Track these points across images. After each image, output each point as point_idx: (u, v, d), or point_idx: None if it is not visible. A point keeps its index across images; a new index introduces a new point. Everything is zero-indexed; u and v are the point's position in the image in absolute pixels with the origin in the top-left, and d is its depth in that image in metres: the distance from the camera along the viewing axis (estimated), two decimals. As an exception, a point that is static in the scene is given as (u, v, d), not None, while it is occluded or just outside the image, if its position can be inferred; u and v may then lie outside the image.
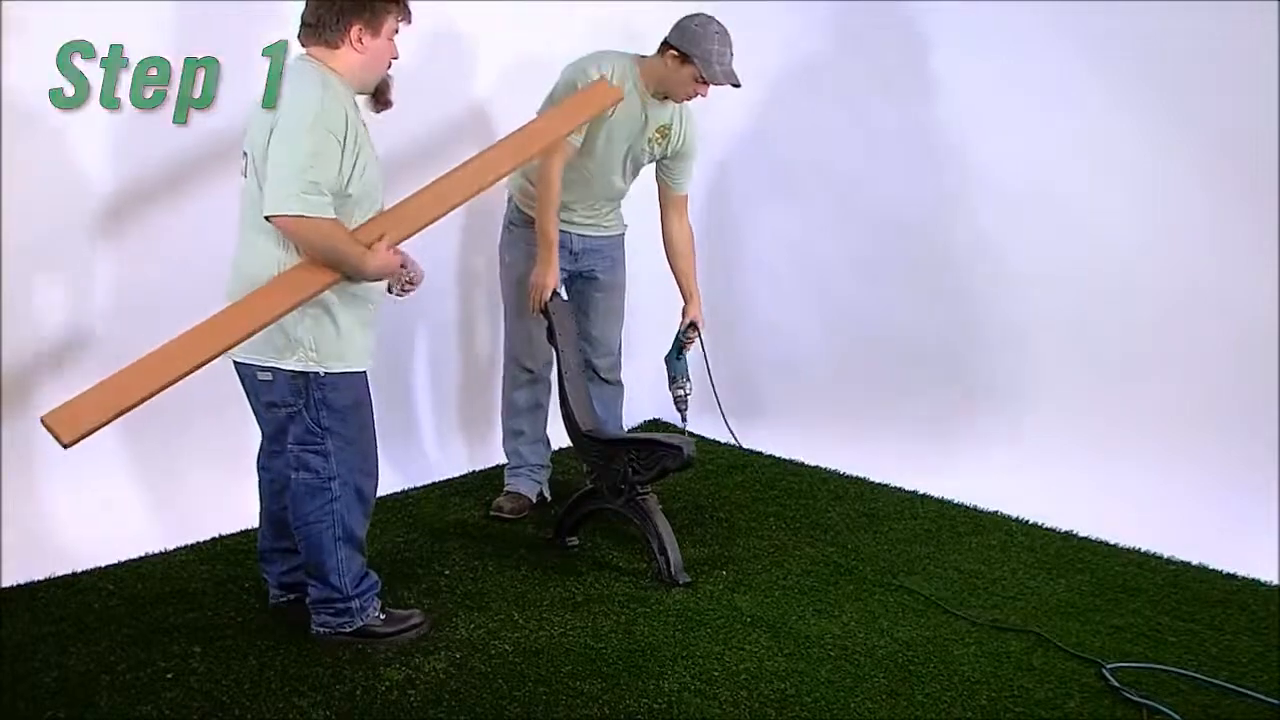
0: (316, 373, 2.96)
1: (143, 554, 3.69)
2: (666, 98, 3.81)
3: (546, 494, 4.22)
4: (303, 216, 2.76)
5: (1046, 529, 4.07)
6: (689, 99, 3.80)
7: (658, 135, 3.89)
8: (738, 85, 3.71)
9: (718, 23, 3.67)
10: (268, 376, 2.97)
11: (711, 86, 3.73)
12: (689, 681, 2.91)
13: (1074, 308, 4.29)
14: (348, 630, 3.11)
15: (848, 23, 4.82)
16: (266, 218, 2.80)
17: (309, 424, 3.00)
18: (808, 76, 4.98)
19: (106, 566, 3.59)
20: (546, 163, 3.71)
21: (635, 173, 4.00)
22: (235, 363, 3.02)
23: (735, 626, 3.25)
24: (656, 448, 3.57)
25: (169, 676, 2.91)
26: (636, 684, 2.90)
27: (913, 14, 4.59)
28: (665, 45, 3.73)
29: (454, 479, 4.56)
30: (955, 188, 4.57)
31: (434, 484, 4.47)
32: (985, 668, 3.02)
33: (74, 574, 3.51)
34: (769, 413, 5.18)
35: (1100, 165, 4.20)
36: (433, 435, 4.73)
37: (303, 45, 2.97)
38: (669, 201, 4.06)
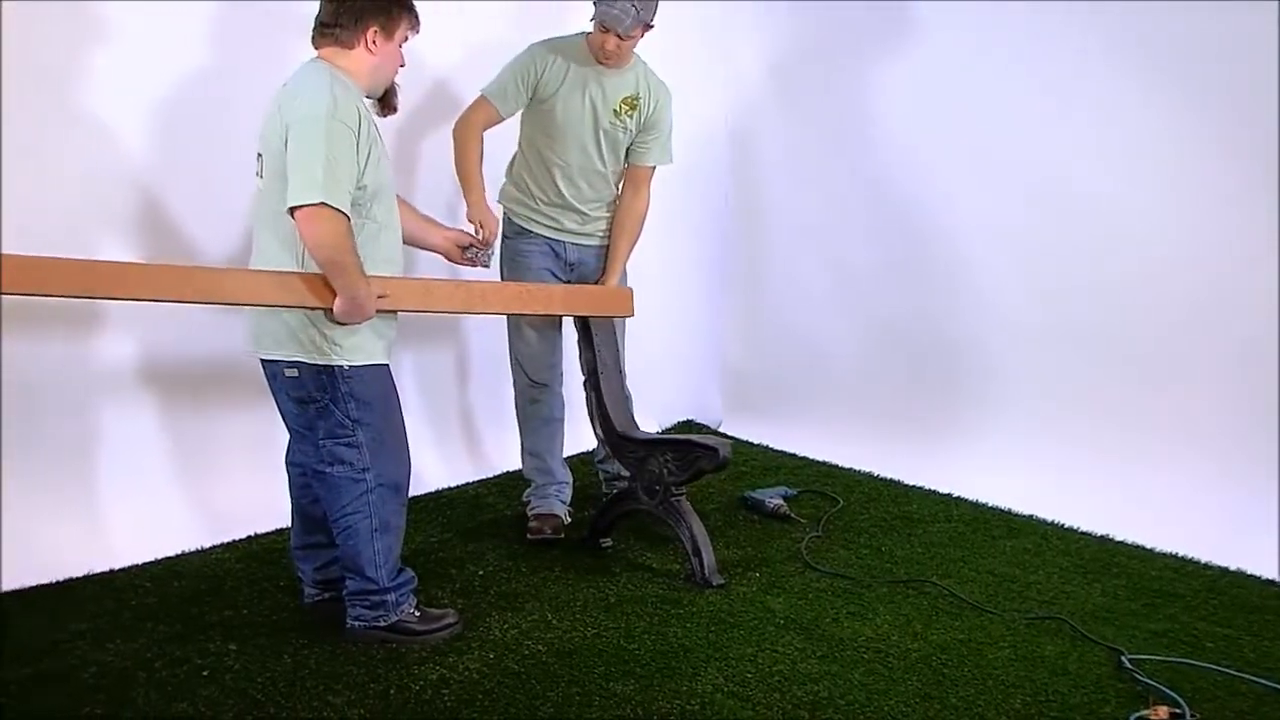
0: (341, 366, 2.99)
1: (179, 552, 3.73)
2: (602, 63, 3.77)
3: (569, 514, 4.11)
4: (325, 205, 2.80)
5: (1082, 533, 4.06)
6: (604, 53, 3.70)
7: (625, 106, 3.83)
8: (607, 29, 3.62)
9: None
10: (294, 372, 3.01)
11: (613, 37, 3.64)
12: (722, 683, 2.91)
13: (1108, 309, 4.24)
14: (382, 625, 3.13)
15: (871, 19, 4.80)
16: (290, 209, 2.83)
17: (339, 417, 3.03)
18: (833, 75, 4.96)
19: (144, 564, 3.63)
20: (463, 120, 3.81)
21: (616, 154, 3.92)
22: (262, 360, 3.07)
23: (768, 628, 3.25)
24: (692, 449, 3.57)
25: (204, 674, 2.93)
26: (669, 685, 2.90)
27: (938, 10, 4.56)
28: None
29: (488, 479, 4.59)
30: (983, 187, 4.54)
31: (468, 484, 4.50)
32: (1019, 671, 3.00)
33: (111, 571, 3.55)
34: (802, 415, 5.18)
35: (1125, 164, 4.15)
36: (466, 435, 4.75)
37: (315, 46, 3.05)
38: (629, 173, 3.97)
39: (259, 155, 3.02)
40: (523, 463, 4.19)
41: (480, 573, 3.64)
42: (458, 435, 4.74)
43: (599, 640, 3.16)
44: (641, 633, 3.21)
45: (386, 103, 3.20)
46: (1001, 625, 3.29)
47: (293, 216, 2.85)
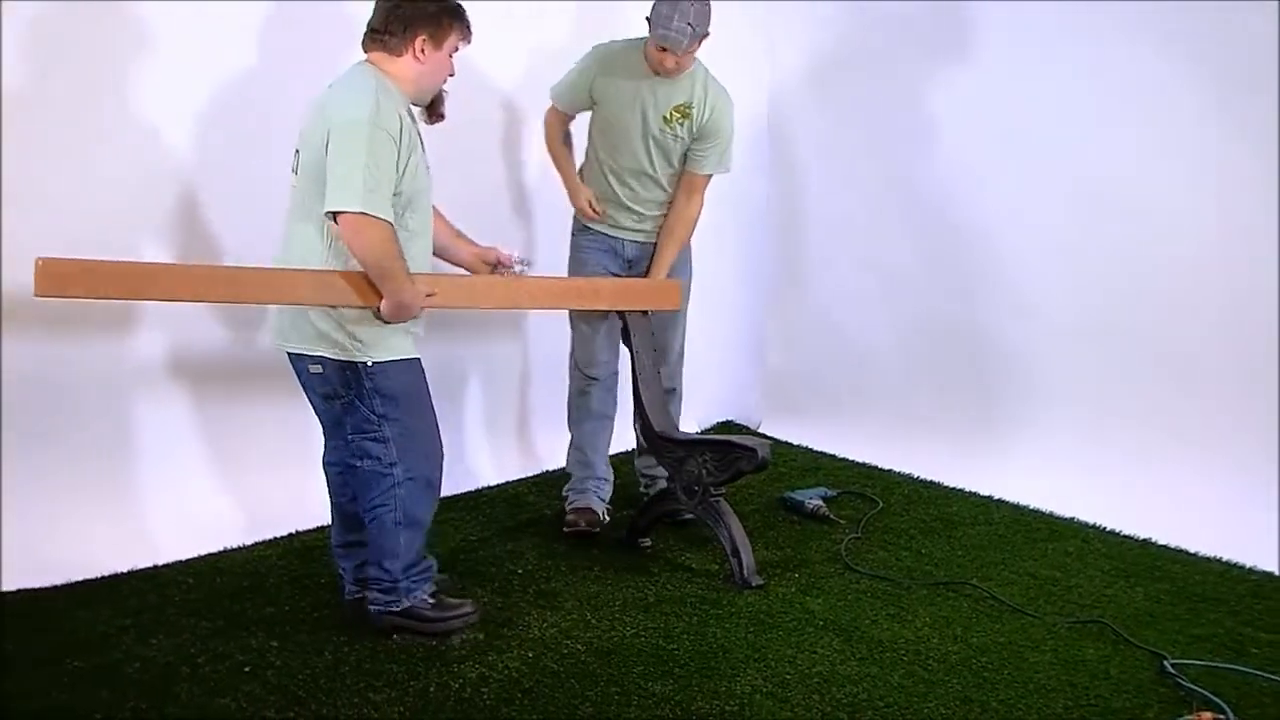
0: (364, 363, 3.02)
1: (222, 548, 3.77)
2: (657, 73, 3.80)
3: (608, 513, 4.12)
4: (365, 214, 2.83)
5: (1124, 536, 4.03)
6: (663, 69, 3.72)
7: (676, 114, 3.83)
8: (664, 49, 3.63)
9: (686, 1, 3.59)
10: (318, 368, 3.05)
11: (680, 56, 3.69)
12: (761, 684, 2.91)
13: (1152, 309, 4.20)
14: (396, 610, 3.16)
15: (911, 20, 4.77)
16: (329, 214, 2.86)
17: (365, 413, 3.06)
18: (873, 75, 4.95)
19: (187, 560, 3.67)
20: (545, 124, 4.01)
21: (668, 159, 3.92)
22: (288, 354, 3.10)
23: (808, 630, 3.24)
24: (731, 450, 3.57)
25: (246, 670, 2.96)
26: (708, 685, 2.90)
27: (987, 10, 4.53)
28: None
29: (527, 478, 4.61)
30: (1024, 187, 4.51)
31: (508, 482, 4.52)
32: (1061, 675, 2.99)
33: (155, 566, 3.59)
34: (842, 416, 5.16)
35: (1168, 164, 4.11)
36: (507, 433, 4.76)
37: (364, 50, 3.08)
38: (683, 178, 3.96)
39: (296, 152, 3.05)
40: (567, 455, 4.21)
41: (519, 571, 3.65)
42: (512, 433, 4.76)
43: (638, 640, 3.17)
44: (680, 633, 3.21)
45: (433, 111, 3.22)
46: (1042, 629, 3.27)
47: (333, 220, 2.88)
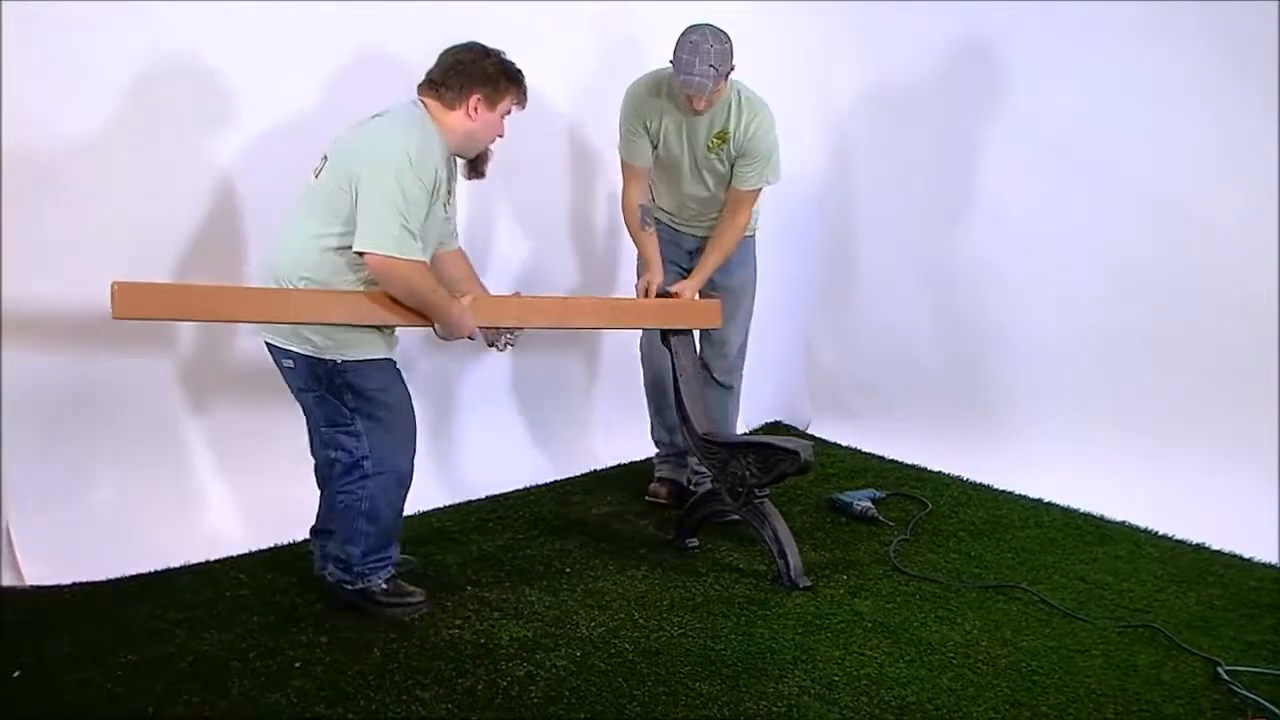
0: (334, 360, 3.11)
1: (273, 544, 3.81)
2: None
3: (692, 483, 4.31)
4: (393, 257, 2.97)
5: (1176, 540, 3.97)
6: (690, 109, 3.77)
7: (715, 141, 3.89)
8: (689, 95, 3.68)
9: (693, 31, 3.64)
10: (290, 363, 3.16)
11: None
12: (808, 685, 2.90)
13: (1210, 314, 4.17)
14: (349, 588, 3.27)
15: (966, 29, 4.74)
16: (358, 253, 2.99)
17: (336, 405, 3.16)
18: (927, 79, 4.92)
19: (238, 555, 3.72)
20: (624, 192, 4.05)
21: (719, 178, 3.97)
22: (266, 344, 3.20)
23: (856, 631, 3.23)
24: (774, 451, 3.57)
25: (296, 665, 2.99)
26: (755, 686, 2.90)
27: (1038, 11, 4.50)
28: None
29: (575, 477, 4.62)
30: (1073, 189, 4.47)
31: (555, 482, 4.53)
32: (1112, 680, 2.96)
33: (207, 562, 3.64)
34: (891, 417, 5.14)
35: (1219, 169, 4.08)
36: (554, 433, 4.77)
37: (419, 93, 3.19)
38: (729, 193, 3.99)
39: (324, 157, 3.14)
40: (651, 431, 4.45)
41: (567, 570, 3.66)
42: (559, 432, 4.79)
43: (685, 640, 3.17)
44: (728, 633, 3.21)
45: (476, 168, 3.35)
46: (1093, 633, 3.24)
47: (360, 257, 3.01)
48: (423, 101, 3.17)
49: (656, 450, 4.46)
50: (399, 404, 3.25)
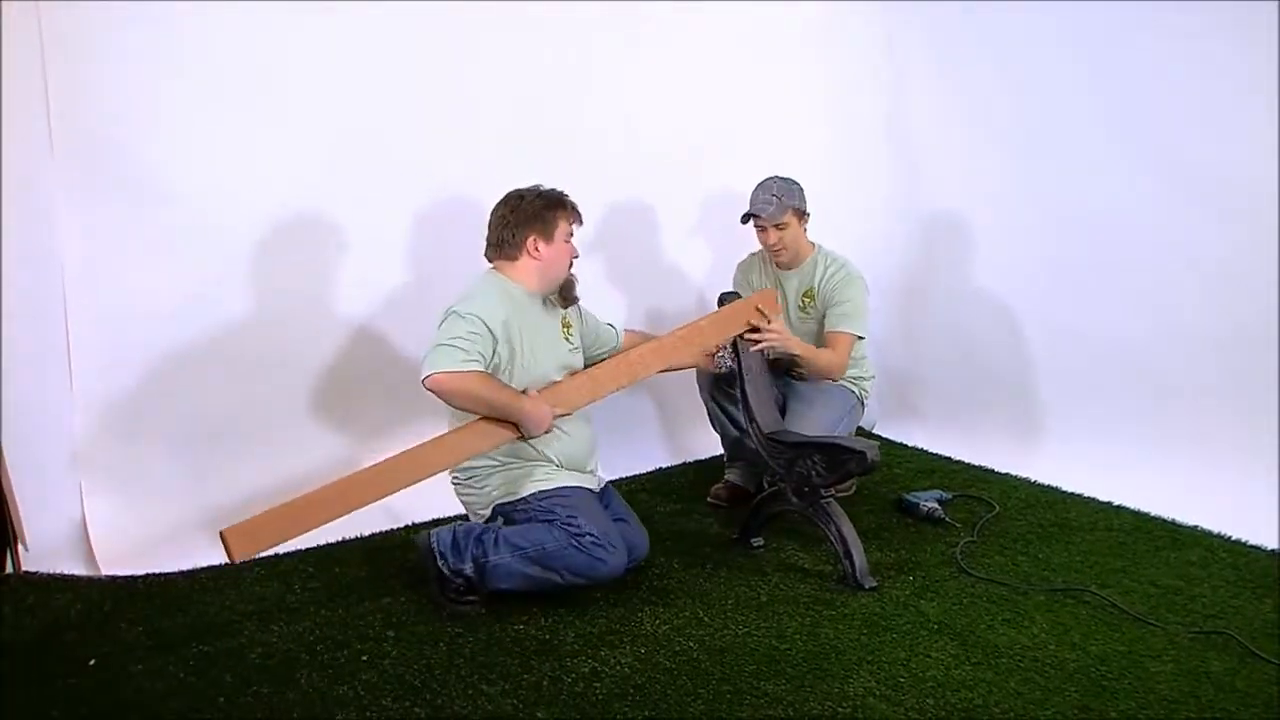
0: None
1: (340, 539, 3.86)
2: (789, 266, 4.29)
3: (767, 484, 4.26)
4: (433, 375, 3.07)
5: (1251, 546, 3.88)
6: (770, 249, 4.23)
7: (806, 299, 4.26)
8: (758, 226, 4.18)
9: (769, 179, 4.14)
10: None
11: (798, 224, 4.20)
12: (874, 686, 2.89)
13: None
14: (437, 563, 3.32)
15: (1042, 19, 4.68)
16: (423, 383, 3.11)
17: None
18: (998, 72, 4.85)
19: (306, 550, 3.77)
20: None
21: (811, 327, 4.26)
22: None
23: (921, 633, 3.21)
24: (840, 451, 3.55)
25: (364, 659, 3.03)
26: (821, 686, 2.89)
27: (1121, 10, 4.42)
28: None
29: (640, 475, 4.65)
30: (1150, 187, 4.39)
31: (619, 479, 4.53)
32: (1184, 686, 2.91)
33: (276, 555, 3.67)
34: (959, 418, 5.10)
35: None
36: (618, 433, 4.76)
37: (489, 260, 3.41)
38: (826, 333, 4.20)
39: None
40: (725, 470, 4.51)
41: (633, 568, 3.67)
42: (623, 433, 4.77)
43: (750, 639, 3.17)
44: (793, 633, 3.20)
45: (564, 296, 3.49)
46: (1164, 638, 3.19)
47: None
48: (493, 267, 3.37)
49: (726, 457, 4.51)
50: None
